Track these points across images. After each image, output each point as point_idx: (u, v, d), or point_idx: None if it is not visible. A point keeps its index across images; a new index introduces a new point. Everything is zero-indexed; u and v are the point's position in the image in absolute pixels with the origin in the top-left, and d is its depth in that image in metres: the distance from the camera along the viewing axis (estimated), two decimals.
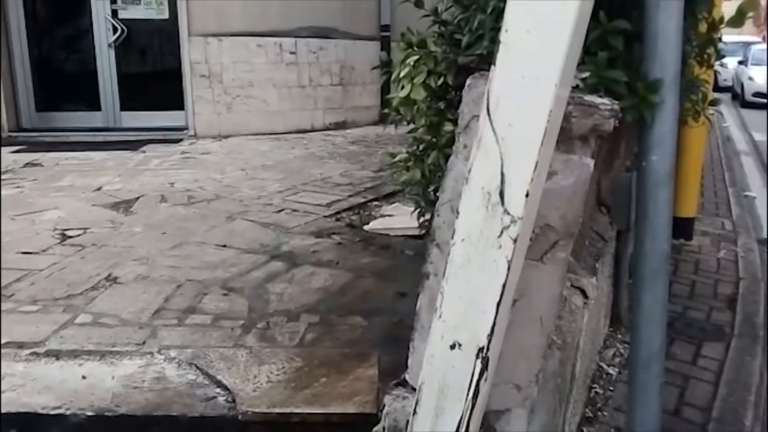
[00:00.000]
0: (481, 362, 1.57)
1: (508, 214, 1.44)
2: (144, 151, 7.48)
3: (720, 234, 6.14)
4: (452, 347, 1.59)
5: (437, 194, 2.49)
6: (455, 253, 1.53)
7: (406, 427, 2.03)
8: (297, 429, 2.29)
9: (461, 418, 1.63)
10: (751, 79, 19.38)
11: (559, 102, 1.40)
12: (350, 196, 5.39)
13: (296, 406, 2.32)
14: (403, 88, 2.16)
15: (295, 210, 4.94)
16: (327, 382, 2.46)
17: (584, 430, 2.91)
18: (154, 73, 9.27)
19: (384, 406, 2.13)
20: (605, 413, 3.08)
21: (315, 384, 2.45)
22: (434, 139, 2.18)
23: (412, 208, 4.75)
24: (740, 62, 20.03)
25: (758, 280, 5.06)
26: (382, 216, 4.71)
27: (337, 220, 4.70)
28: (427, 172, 2.23)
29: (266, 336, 2.86)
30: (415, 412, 1.70)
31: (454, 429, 1.65)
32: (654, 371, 1.82)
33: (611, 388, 3.30)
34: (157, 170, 6.49)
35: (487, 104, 1.42)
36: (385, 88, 9.93)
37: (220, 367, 2.58)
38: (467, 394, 1.61)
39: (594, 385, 3.30)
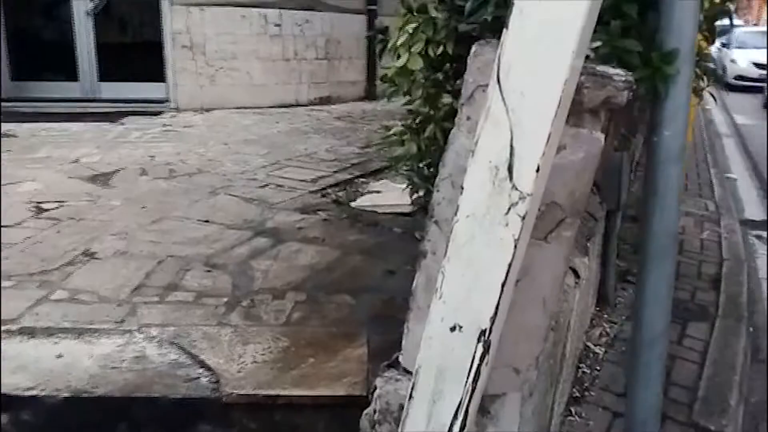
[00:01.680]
0: (483, 346, 1.49)
1: (517, 189, 1.35)
2: (123, 123, 7.25)
3: (703, 215, 6.16)
4: (452, 329, 1.51)
5: (432, 170, 2.40)
6: (458, 230, 1.44)
7: (400, 411, 1.96)
8: (283, 412, 2.21)
9: (460, 403, 1.56)
10: (733, 61, 19.46)
11: (573, 71, 1.30)
12: (336, 172, 5.28)
13: (282, 387, 2.24)
14: (399, 57, 2.05)
15: (279, 185, 4.82)
16: (315, 363, 2.38)
17: (572, 409, 2.88)
18: (134, 43, 8.98)
19: (375, 388, 2.05)
20: (592, 393, 3.05)
21: (302, 365, 2.37)
22: (431, 112, 2.07)
23: (401, 185, 4.67)
24: (723, 45, 20.08)
25: (741, 261, 5.08)
26: (369, 193, 4.61)
27: (323, 196, 4.59)
28: (422, 146, 2.12)
29: (251, 314, 2.77)
30: (411, 396, 1.63)
31: (452, 414, 1.58)
32: (657, 351, 1.76)
33: (598, 368, 3.28)
34: (137, 143, 6.29)
35: (497, 72, 1.32)
36: (371, 63, 9.78)
37: (203, 347, 2.48)
38: (467, 379, 1.54)
39: (581, 365, 3.28)
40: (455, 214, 1.44)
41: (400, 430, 1.67)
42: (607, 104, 1.49)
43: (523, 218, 1.37)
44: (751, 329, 4.03)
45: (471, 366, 1.52)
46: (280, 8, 8.44)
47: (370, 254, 3.46)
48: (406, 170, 2.53)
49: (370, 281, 3.12)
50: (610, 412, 2.84)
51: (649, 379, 1.79)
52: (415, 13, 1.94)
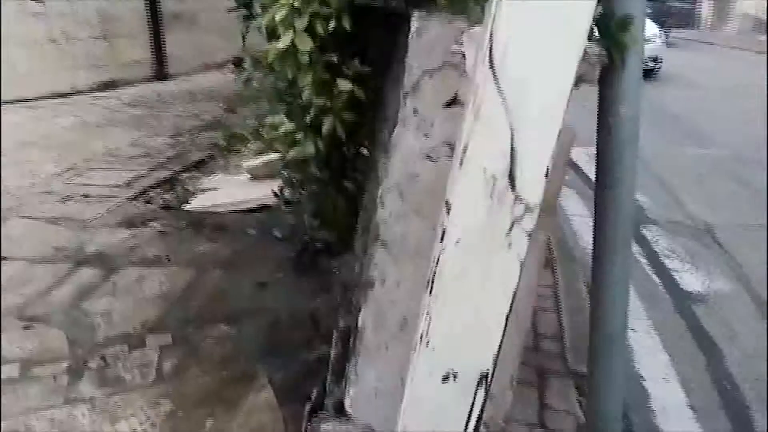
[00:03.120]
0: (484, 390, 1.21)
1: (521, 201, 1.07)
2: None
3: None
4: (445, 379, 1.21)
5: (333, 175, 2.02)
6: (446, 261, 1.12)
7: None
8: None
9: None
10: None
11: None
12: (152, 169, 4.54)
13: None
14: (279, 37, 1.62)
15: (86, 196, 3.98)
16: (216, 426, 1.92)
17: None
18: None
19: None
20: None
21: (201, 431, 1.89)
22: (327, 103, 1.68)
23: (239, 177, 4.15)
24: None
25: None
26: (204, 191, 4.01)
27: (147, 202, 3.89)
28: (321, 146, 1.73)
29: (107, 378, 2.17)
30: None
31: None
32: (619, 348, 1.65)
33: None
34: None
35: (489, 56, 1.00)
36: (157, 39, 8.71)
37: None
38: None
39: None
40: (440, 240, 1.12)
41: None
42: (581, 81, 1.27)
43: (530, 234, 1.10)
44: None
45: (470, 417, 1.24)
46: None
47: (231, 266, 2.97)
48: (289, 172, 2.10)
49: (243, 301, 2.66)
50: None
51: (612, 377, 1.68)
52: None
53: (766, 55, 15.13)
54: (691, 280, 3.86)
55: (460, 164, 1.06)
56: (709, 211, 4.88)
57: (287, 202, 2.89)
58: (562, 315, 3.66)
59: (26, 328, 2.47)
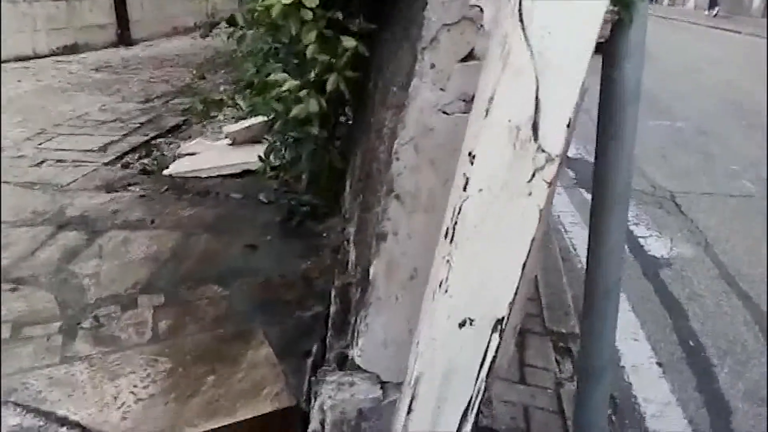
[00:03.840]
0: (499, 336, 1.27)
1: (543, 151, 1.11)
2: None
3: None
4: (462, 325, 1.26)
5: (338, 133, 2.03)
6: (468, 209, 1.16)
7: (358, 418, 1.67)
8: None
9: (469, 403, 1.33)
10: None
11: None
12: (126, 135, 4.45)
13: (193, 425, 1.78)
14: None
15: (60, 160, 3.90)
16: (217, 381, 1.94)
17: None
18: None
19: (316, 394, 1.73)
20: None
21: (203, 387, 1.92)
22: (332, 60, 1.69)
23: (219, 142, 4.10)
24: None
25: None
26: (182, 156, 3.95)
27: (125, 166, 3.83)
28: (324, 104, 1.74)
29: (102, 337, 2.17)
30: (410, 409, 1.35)
31: (460, 417, 1.35)
32: (614, 301, 1.72)
33: None
34: None
35: (519, 8, 1.03)
36: (120, 3, 8.41)
37: (57, 397, 1.87)
38: (477, 376, 1.31)
39: None
40: (463, 189, 1.16)
41: None
42: None
43: (550, 184, 1.15)
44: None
45: (483, 361, 1.30)
46: None
47: (218, 230, 2.97)
48: (279, 133, 2.11)
49: (233, 262, 2.67)
50: None
51: (606, 330, 1.76)
52: None
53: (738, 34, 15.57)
54: (656, 246, 4.02)
55: (486, 114, 1.10)
56: (672, 180, 5.07)
57: (273, 167, 2.90)
58: (537, 277, 3.76)
59: (12, 290, 2.43)
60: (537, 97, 1.08)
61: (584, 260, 4.11)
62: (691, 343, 3.08)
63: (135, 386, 1.91)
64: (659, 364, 2.94)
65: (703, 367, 2.88)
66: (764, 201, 4.72)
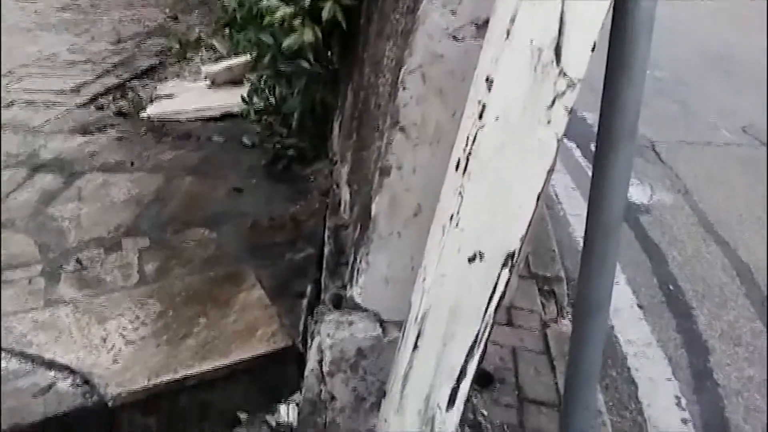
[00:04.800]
0: (509, 271, 1.24)
1: (565, 75, 1.06)
2: None
3: None
4: (471, 260, 1.23)
5: (335, 64, 1.94)
6: (483, 139, 1.12)
7: (357, 356, 1.65)
8: (198, 394, 1.74)
9: (476, 339, 1.32)
10: None
11: None
12: (98, 76, 4.25)
13: (186, 366, 1.74)
14: None
15: (30, 102, 3.72)
16: (210, 323, 1.90)
17: None
18: None
19: (312, 334, 1.70)
20: None
21: (195, 329, 1.88)
22: None
23: (197, 84, 3.95)
24: None
25: None
26: (158, 98, 3.80)
27: (99, 108, 3.66)
28: (319, 34, 1.65)
29: (86, 280, 2.10)
30: (416, 346, 1.33)
31: (466, 353, 1.34)
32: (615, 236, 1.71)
33: None
34: None
35: None
36: None
37: (42, 340, 1.81)
38: (485, 312, 1.29)
39: None
40: (479, 117, 1.11)
41: (400, 386, 1.39)
42: None
43: (570, 112, 1.10)
44: None
45: (492, 297, 1.27)
46: None
47: (202, 173, 2.88)
48: (261, 69, 2.01)
49: (219, 206, 2.60)
50: None
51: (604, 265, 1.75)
52: None
53: None
54: (636, 193, 4.05)
55: (507, 36, 1.04)
56: (652, 129, 5.08)
57: (258, 110, 2.80)
58: None
59: None
60: (562, 18, 1.02)
61: (566, 207, 4.13)
62: (670, 286, 3.14)
63: (124, 329, 1.86)
64: (640, 307, 2.99)
65: (682, 310, 2.94)
66: (741, 149, 4.78)
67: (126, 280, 2.10)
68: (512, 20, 1.03)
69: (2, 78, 4.07)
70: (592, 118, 4.85)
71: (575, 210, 3.81)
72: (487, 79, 1.08)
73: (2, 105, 3.59)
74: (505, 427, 2.04)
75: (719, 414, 2.33)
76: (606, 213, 1.67)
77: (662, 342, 2.72)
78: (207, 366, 1.73)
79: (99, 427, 1.63)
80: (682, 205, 3.90)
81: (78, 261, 2.18)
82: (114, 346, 1.79)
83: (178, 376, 1.69)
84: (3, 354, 1.75)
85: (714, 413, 2.32)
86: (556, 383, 2.29)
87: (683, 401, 2.37)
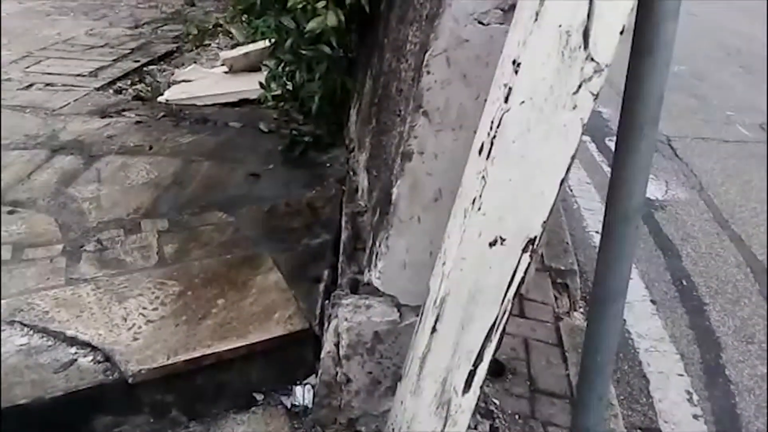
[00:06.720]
0: (530, 256, 1.25)
1: (593, 60, 1.07)
2: None
3: None
4: (492, 244, 1.24)
5: (352, 51, 1.94)
6: (509, 122, 1.12)
7: (374, 340, 1.67)
8: (215, 373, 1.76)
9: (494, 324, 1.33)
10: None
11: None
12: (116, 60, 4.29)
13: (205, 345, 1.76)
14: None
15: (49, 84, 3.75)
16: (228, 305, 1.92)
17: None
18: None
19: (330, 318, 1.72)
20: None
21: (213, 310, 1.90)
22: None
23: (215, 69, 3.97)
24: None
25: None
26: (176, 83, 3.82)
27: (118, 92, 3.70)
28: (342, 18, 1.66)
29: (107, 260, 2.13)
30: (434, 329, 1.34)
31: (484, 337, 1.35)
32: (634, 224, 1.70)
33: None
34: None
35: None
36: None
37: (63, 317, 1.84)
38: (504, 297, 1.30)
39: None
40: (505, 101, 1.11)
41: (418, 368, 1.40)
42: None
43: (596, 97, 1.11)
44: None
45: (511, 281, 1.28)
46: None
47: (219, 157, 2.90)
48: (281, 54, 2.02)
49: (237, 190, 2.62)
50: None
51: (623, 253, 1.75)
52: None
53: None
54: (652, 188, 4.03)
55: (535, 18, 1.04)
56: (668, 124, 5.04)
57: (275, 96, 2.81)
58: None
59: (11, 212, 2.37)
60: (591, 1, 1.02)
61: (580, 201, 4.11)
62: (683, 282, 3.13)
63: (144, 308, 1.89)
64: (653, 302, 2.99)
65: (694, 305, 2.94)
66: (758, 146, 4.74)
67: (145, 260, 2.12)
68: (541, 2, 1.03)
69: (21, 60, 4.12)
70: (608, 113, 4.82)
71: (589, 204, 3.80)
72: (514, 62, 1.08)
73: (22, 87, 3.62)
74: (517, 416, 2.05)
75: (731, 410, 2.33)
76: (626, 200, 1.67)
77: (674, 337, 2.72)
78: (225, 346, 1.75)
79: (119, 403, 1.66)
80: (696, 201, 3.88)
81: (98, 241, 2.21)
82: (134, 325, 1.81)
83: (196, 355, 1.72)
84: (26, 330, 1.78)
85: (725, 409, 2.32)
86: (568, 375, 2.29)
87: (695, 397, 2.37)
